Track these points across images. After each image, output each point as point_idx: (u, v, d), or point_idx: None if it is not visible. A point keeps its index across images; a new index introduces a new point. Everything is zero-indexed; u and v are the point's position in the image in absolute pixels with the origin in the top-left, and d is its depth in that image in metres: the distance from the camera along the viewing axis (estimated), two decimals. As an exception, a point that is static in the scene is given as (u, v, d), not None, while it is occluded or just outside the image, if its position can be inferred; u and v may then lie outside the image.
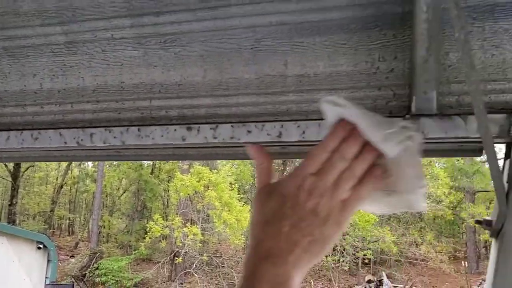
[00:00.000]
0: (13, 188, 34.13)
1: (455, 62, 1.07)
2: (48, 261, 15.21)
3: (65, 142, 1.17)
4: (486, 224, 1.08)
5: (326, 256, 26.50)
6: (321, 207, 0.83)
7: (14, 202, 33.59)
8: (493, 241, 1.07)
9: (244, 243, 27.12)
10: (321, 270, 27.65)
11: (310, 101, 1.14)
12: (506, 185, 1.03)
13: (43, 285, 15.04)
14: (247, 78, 1.14)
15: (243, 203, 28.91)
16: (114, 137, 1.15)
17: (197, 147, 1.19)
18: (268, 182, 0.90)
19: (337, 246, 26.67)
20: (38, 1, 1.12)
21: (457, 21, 0.81)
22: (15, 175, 33.14)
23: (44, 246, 14.93)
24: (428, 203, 28.18)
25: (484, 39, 1.04)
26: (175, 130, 1.13)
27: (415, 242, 28.91)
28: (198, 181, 27.19)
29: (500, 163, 1.05)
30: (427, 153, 1.17)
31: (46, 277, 15.13)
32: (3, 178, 35.03)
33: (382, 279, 24.04)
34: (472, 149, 1.11)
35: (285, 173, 31.16)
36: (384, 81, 1.11)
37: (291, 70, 1.14)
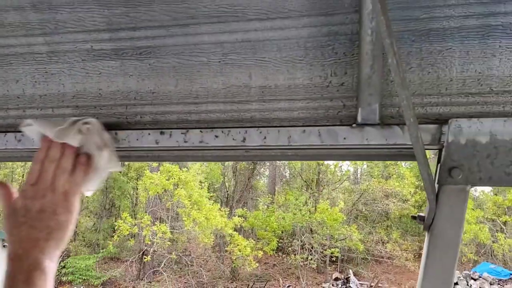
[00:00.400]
0: (-24, 185, 33.21)
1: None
2: None
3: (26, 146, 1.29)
4: (420, 219, 1.25)
5: (295, 254, 26.88)
6: (46, 205, 1.09)
7: (-22, 200, 32.70)
8: (426, 234, 1.25)
9: (213, 241, 27.18)
10: (290, 268, 27.96)
11: (271, 109, 1.29)
12: (436, 186, 1.20)
13: (8, 284, 14.77)
14: (215, 88, 1.27)
15: (212, 201, 28.93)
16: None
17: (169, 149, 1.30)
18: (9, 205, 1.13)
19: (305, 244, 27.06)
20: (22, 14, 1.21)
21: (390, 49, 0.96)
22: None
23: (10, 244, 14.69)
24: (394, 202, 28.83)
25: (421, 59, 1.20)
26: (149, 134, 1.25)
27: (381, 240, 29.53)
28: (168, 180, 27.07)
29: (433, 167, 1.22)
30: (370, 157, 1.34)
31: (11, 276, 14.87)
32: (-34, 175, 34.11)
33: (349, 276, 24.49)
34: (410, 154, 1.28)
35: (254, 171, 31.32)
36: (335, 94, 1.27)
37: (255, 81, 1.28)
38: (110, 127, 1.29)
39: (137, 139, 1.25)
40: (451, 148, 1.18)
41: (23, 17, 1.21)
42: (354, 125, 1.23)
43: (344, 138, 1.21)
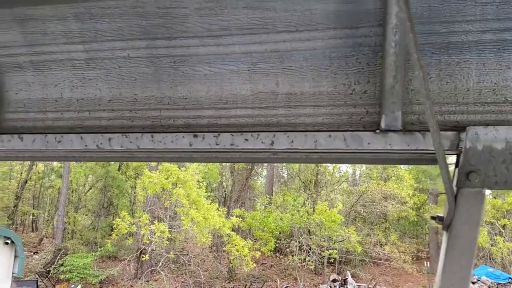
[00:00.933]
0: (-27, 183, 33.38)
1: (417, 87, 1.31)
2: (15, 256, 14.98)
3: (86, 145, 1.34)
4: (439, 219, 1.33)
5: (292, 255, 26.95)
6: None
7: (-24, 197, 32.89)
8: (444, 233, 1.33)
9: (211, 241, 27.20)
10: (287, 269, 28.04)
11: (297, 115, 1.36)
12: (455, 188, 1.28)
13: (9, 281, 14.81)
14: (243, 94, 1.35)
15: (210, 201, 28.95)
16: (130, 142, 1.32)
17: (202, 151, 1.37)
18: None
19: (303, 245, 27.13)
20: (64, 24, 1.29)
21: (417, 62, 1.04)
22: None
23: (12, 241, 14.70)
24: (392, 204, 28.93)
25: (440, 70, 1.28)
26: (183, 137, 1.31)
27: (379, 242, 29.65)
28: (166, 179, 27.06)
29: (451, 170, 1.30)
30: (392, 161, 1.43)
31: (13, 273, 14.91)
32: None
33: (347, 278, 24.58)
34: (430, 159, 1.36)
35: (252, 171, 31.33)
36: (358, 101, 1.35)
37: (282, 88, 1.36)
38: (145, 129, 1.36)
39: (172, 141, 1.31)
40: (469, 154, 1.26)
41: (65, 26, 1.29)
42: (377, 131, 1.31)
43: (368, 143, 1.29)
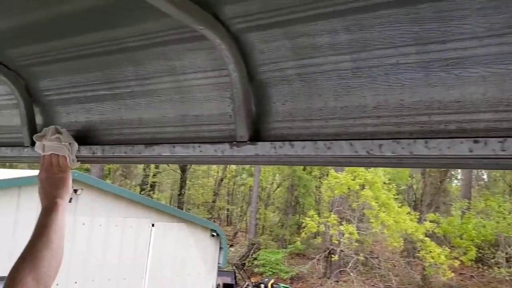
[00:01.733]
0: (181, 180, 37.44)
1: None
2: (220, 248, 16.20)
3: (356, 151, 1.34)
4: None
5: (498, 267, 24.40)
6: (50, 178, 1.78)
7: (182, 193, 36.82)
8: None
9: (402, 246, 26.09)
10: (491, 282, 25.54)
11: None
12: None
13: (215, 271, 16.08)
14: None
15: (399, 204, 27.83)
16: (402, 148, 1.28)
17: (481, 157, 1.28)
18: None
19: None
20: (334, 36, 1.33)
21: None
22: (183, 168, 36.23)
23: (217, 234, 15.94)
24: None
25: None
26: (461, 142, 1.23)
27: None
28: (353, 180, 26.83)
29: None
30: None
31: (218, 263, 16.15)
32: (174, 171, 38.42)
33: None
34: None
35: (447, 173, 29.22)
36: None
37: None
38: (413, 135, 1.32)
39: (448, 147, 1.25)
40: None
41: (334, 39, 1.33)
42: None
43: None
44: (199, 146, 1.60)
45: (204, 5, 1.34)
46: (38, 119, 2.07)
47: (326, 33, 1.34)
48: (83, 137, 1.96)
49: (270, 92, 1.53)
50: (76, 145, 1.86)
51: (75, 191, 11.12)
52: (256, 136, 1.54)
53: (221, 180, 40.29)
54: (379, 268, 26.98)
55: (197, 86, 1.66)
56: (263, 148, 1.49)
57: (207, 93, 1.65)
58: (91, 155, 1.84)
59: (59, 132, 1.84)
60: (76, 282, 11.15)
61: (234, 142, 1.54)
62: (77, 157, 1.91)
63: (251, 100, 1.54)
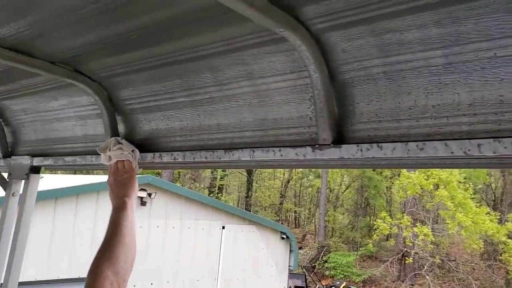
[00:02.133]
0: (248, 182, 37.83)
1: None
2: (290, 251, 16.16)
3: (452, 152, 1.27)
4: None
5: None
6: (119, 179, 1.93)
7: (249, 195, 37.17)
8: None
9: (482, 248, 24.84)
10: None
11: None
12: None
13: (286, 273, 16.05)
14: None
15: (476, 203, 26.50)
16: (505, 147, 1.21)
17: None
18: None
19: None
20: (423, 31, 1.26)
21: None
22: (249, 170, 36.54)
23: (287, 236, 15.91)
24: None
25: None
26: None
27: None
28: (427, 179, 25.87)
29: None
30: None
31: (289, 266, 16.11)
32: (240, 173, 38.88)
33: None
34: None
35: None
36: None
37: None
38: None
39: None
40: None
41: (423, 33, 1.27)
42: None
43: None
44: (280, 150, 1.58)
45: (285, 8, 1.31)
46: (121, 128, 2.14)
47: (415, 28, 1.27)
48: (164, 143, 1.99)
49: (353, 92, 1.48)
50: (137, 152, 1.98)
51: (149, 195, 11.50)
52: (340, 139, 1.49)
53: (288, 182, 40.25)
54: (457, 271, 25.84)
55: (276, 89, 1.64)
56: (348, 150, 1.44)
57: (286, 96, 1.63)
58: (173, 160, 1.87)
59: (119, 143, 1.97)
60: (152, 284, 11.52)
61: (317, 145, 1.50)
62: (158, 163, 1.95)
63: (333, 101, 1.49)
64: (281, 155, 1.57)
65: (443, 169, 25.23)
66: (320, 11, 1.32)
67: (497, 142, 1.22)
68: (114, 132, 2.11)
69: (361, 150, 1.42)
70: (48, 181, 10.96)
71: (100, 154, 2.01)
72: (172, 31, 1.59)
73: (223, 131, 1.82)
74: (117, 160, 1.95)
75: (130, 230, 1.73)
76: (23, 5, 1.51)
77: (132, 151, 1.96)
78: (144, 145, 2.06)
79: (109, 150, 1.96)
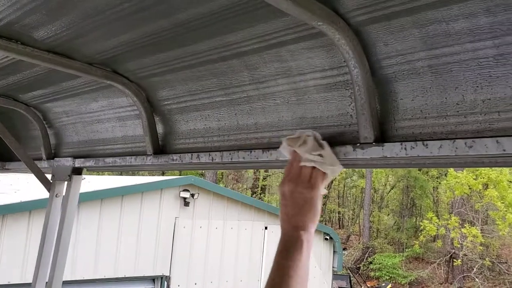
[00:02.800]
0: (291, 182, 37.68)
1: None
2: (334, 252, 15.97)
3: (504, 150, 1.20)
4: None
5: None
6: (295, 188, 1.42)
7: (293, 195, 36.99)
8: None
9: (535, 250, 23.85)
10: None
11: None
12: None
13: (330, 274, 15.89)
14: None
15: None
16: None
17: None
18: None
19: None
20: (472, 21, 1.18)
21: None
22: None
23: (330, 237, 15.74)
24: None
25: None
26: None
27: None
28: (475, 179, 25.08)
29: None
30: None
31: (333, 267, 15.93)
32: (282, 174, 38.73)
33: None
34: None
35: None
36: None
37: None
38: None
39: None
40: None
41: (472, 23, 1.20)
42: None
43: None
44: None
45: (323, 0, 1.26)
46: (159, 128, 2.14)
47: (463, 17, 1.20)
48: (202, 143, 1.98)
49: (396, 88, 1.42)
50: (338, 169, 1.46)
51: (192, 195, 11.63)
52: (382, 137, 1.43)
53: (331, 182, 39.89)
54: (508, 273, 24.91)
55: (314, 86, 1.59)
56: (391, 149, 1.37)
57: (325, 93, 1.57)
58: (210, 161, 1.85)
59: (320, 146, 1.46)
60: (196, 284, 11.64)
61: (358, 144, 1.44)
62: (196, 163, 1.93)
63: (375, 97, 1.43)
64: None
65: (493, 168, 24.44)
66: (360, 2, 1.26)
67: None
68: (153, 133, 2.11)
69: (405, 149, 1.36)
70: (94, 182, 11.28)
71: (139, 155, 1.99)
72: (206, 29, 1.56)
73: (260, 131, 1.79)
74: (303, 165, 1.43)
75: (301, 276, 1.30)
76: (57, 6, 1.53)
77: (331, 165, 1.44)
78: (182, 146, 2.05)
79: (299, 146, 1.46)
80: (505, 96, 1.25)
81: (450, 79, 1.32)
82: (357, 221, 37.97)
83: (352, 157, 1.45)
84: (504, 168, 23.93)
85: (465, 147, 1.26)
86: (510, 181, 25.64)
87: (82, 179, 2.57)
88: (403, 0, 1.21)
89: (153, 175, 18.17)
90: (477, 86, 1.28)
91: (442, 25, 1.24)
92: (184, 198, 11.55)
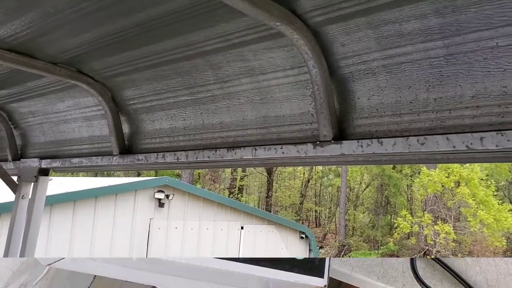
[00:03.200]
0: (268, 182, 37.80)
1: None
2: (310, 250, 16.09)
3: (454, 146, 1.23)
4: None
5: None
6: None
7: (270, 195, 37.13)
8: None
9: (505, 245, 24.41)
10: None
11: None
12: None
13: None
14: None
15: (500, 201, 26.05)
16: (508, 140, 1.16)
17: None
18: None
19: None
20: (423, 21, 1.22)
21: None
22: (269, 171, 36.52)
23: (306, 236, 15.84)
24: None
25: None
26: None
27: None
28: (447, 177, 25.52)
29: None
30: None
31: (308, 266, 16.02)
32: (260, 173, 38.87)
33: None
34: None
35: None
36: None
37: None
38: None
39: None
40: None
41: (423, 24, 1.24)
42: None
43: None
44: (281, 148, 1.55)
45: (280, 0, 1.28)
46: (125, 128, 2.13)
47: (414, 18, 1.24)
48: (168, 143, 1.98)
49: (353, 87, 1.46)
50: None
51: (167, 196, 11.55)
52: (340, 135, 1.47)
53: (308, 181, 40.06)
54: (480, 269, 25.39)
55: (277, 85, 1.61)
56: (349, 147, 1.40)
57: (287, 93, 1.60)
58: (176, 161, 1.86)
59: None
60: (171, 285, 11.56)
61: (318, 142, 1.47)
62: (162, 163, 1.94)
63: (333, 96, 1.46)
64: (283, 153, 1.55)
65: (465, 166, 24.93)
66: (317, 3, 1.29)
67: (500, 135, 1.17)
68: (119, 133, 2.10)
69: (361, 146, 1.39)
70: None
71: (105, 155, 1.99)
72: (168, 28, 1.57)
73: (226, 130, 1.80)
74: None
75: None
76: (15, 5, 1.51)
77: None
78: (148, 146, 2.05)
79: None
80: (455, 94, 1.28)
81: (404, 78, 1.36)
82: (334, 220, 38.23)
83: (312, 155, 1.48)
84: (473, 165, 24.48)
85: (417, 144, 1.30)
86: (481, 179, 26.18)
87: (49, 180, 2.54)
88: (358, 1, 1.23)
89: (128, 176, 17.98)
90: (429, 85, 1.32)
91: (395, 25, 1.27)
92: (159, 199, 11.47)
